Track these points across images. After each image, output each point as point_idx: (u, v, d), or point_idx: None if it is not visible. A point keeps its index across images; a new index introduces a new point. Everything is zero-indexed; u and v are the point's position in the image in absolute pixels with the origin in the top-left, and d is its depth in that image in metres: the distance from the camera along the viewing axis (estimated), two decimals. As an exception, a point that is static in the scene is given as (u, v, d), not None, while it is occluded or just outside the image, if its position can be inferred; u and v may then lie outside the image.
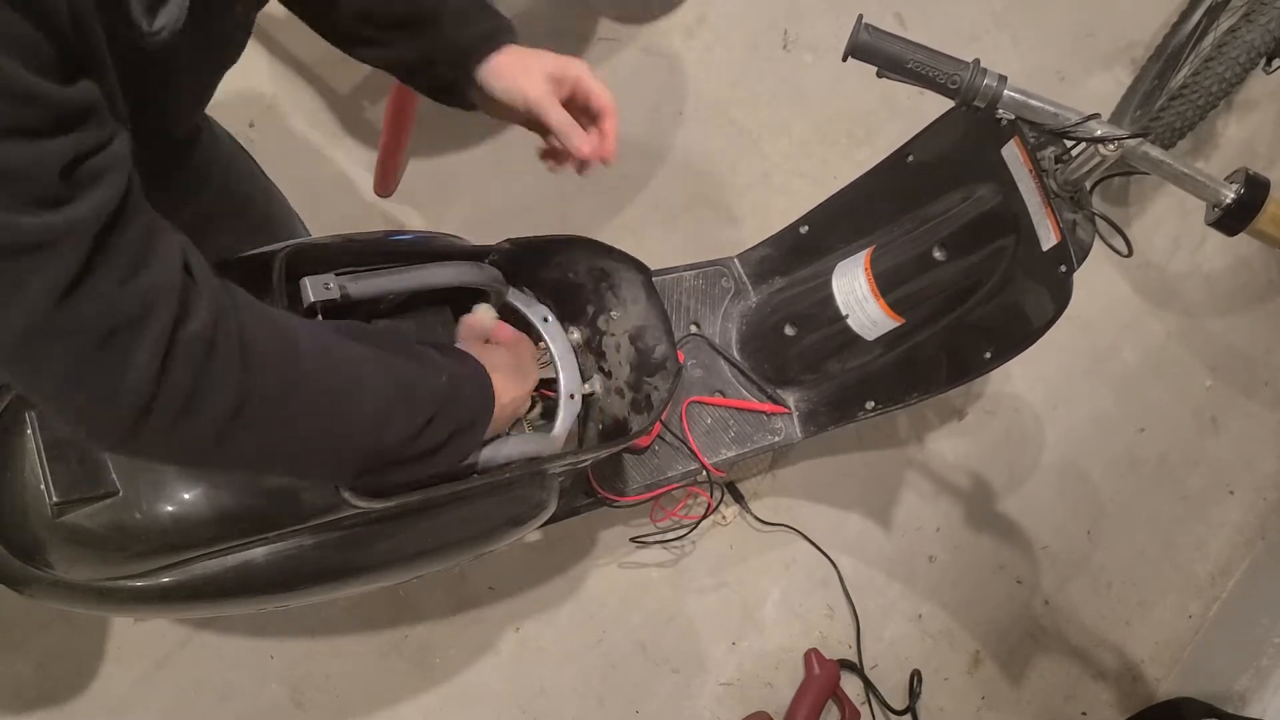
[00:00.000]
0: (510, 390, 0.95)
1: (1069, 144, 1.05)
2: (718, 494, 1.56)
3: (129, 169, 0.59)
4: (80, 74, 0.55)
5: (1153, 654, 1.81)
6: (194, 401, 0.62)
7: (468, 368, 0.89)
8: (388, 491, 0.87)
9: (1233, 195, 0.99)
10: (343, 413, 0.73)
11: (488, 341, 1.03)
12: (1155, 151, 1.01)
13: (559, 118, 0.91)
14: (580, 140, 0.91)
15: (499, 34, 0.91)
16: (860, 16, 0.97)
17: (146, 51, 0.63)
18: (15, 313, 0.57)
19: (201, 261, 0.64)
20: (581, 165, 0.95)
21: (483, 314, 1.06)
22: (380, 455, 0.77)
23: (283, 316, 0.71)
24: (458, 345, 1.00)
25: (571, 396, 1.16)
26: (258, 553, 0.89)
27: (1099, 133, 0.98)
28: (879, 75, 0.99)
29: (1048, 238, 1.06)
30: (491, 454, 1.03)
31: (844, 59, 0.99)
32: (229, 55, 0.83)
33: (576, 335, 1.27)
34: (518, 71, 0.90)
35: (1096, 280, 1.94)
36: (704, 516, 1.50)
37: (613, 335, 1.25)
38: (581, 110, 0.95)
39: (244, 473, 0.83)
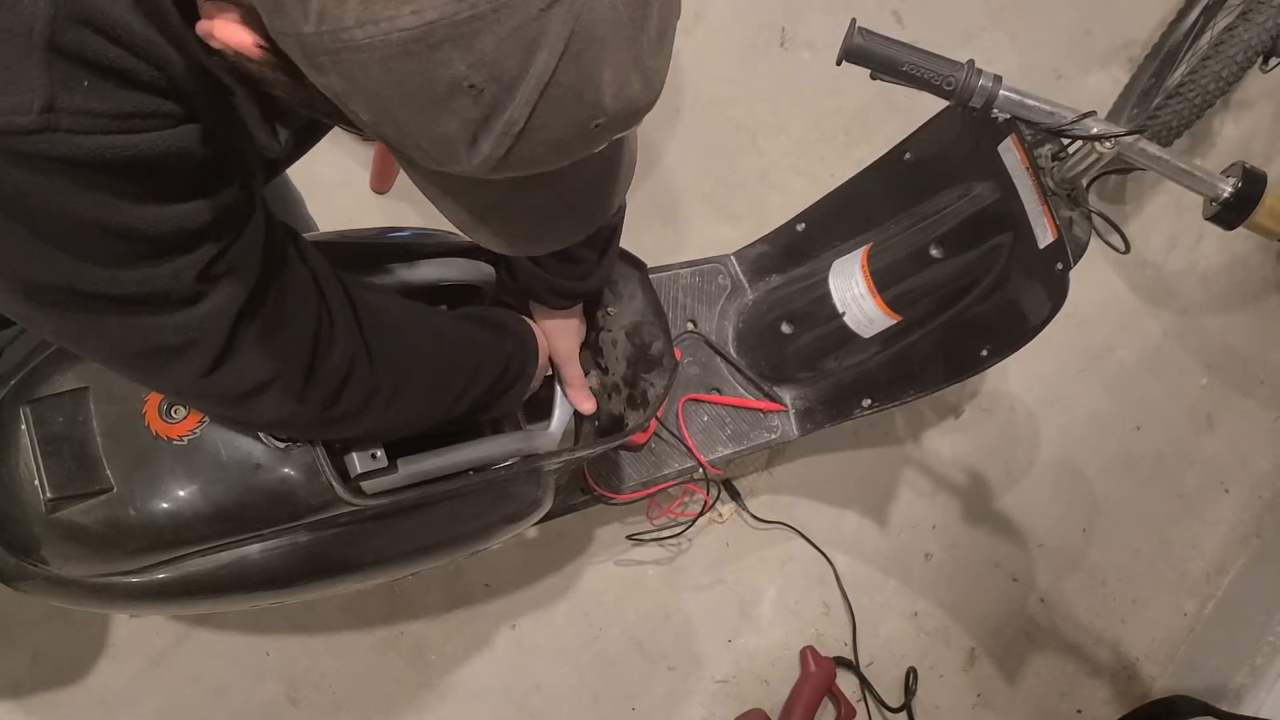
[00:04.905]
0: (565, 342, 1.12)
1: (1065, 142, 1.05)
2: (714, 491, 1.56)
3: (260, 245, 0.68)
4: (233, 177, 0.65)
5: (1148, 651, 1.81)
6: (331, 408, 0.78)
7: (521, 334, 1.05)
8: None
9: (1230, 189, 0.99)
10: (442, 387, 0.91)
11: None
12: (1152, 147, 1.01)
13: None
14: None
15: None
16: (854, 21, 0.96)
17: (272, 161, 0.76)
18: (166, 387, 0.73)
19: (337, 290, 0.78)
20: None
21: None
22: (461, 412, 0.95)
23: (403, 317, 0.87)
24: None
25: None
26: (252, 549, 0.88)
27: (1095, 130, 0.98)
28: (873, 78, 0.99)
29: (1044, 235, 1.06)
30: (488, 451, 1.03)
31: (838, 63, 0.99)
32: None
33: (573, 332, 1.27)
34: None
35: (1093, 278, 1.94)
36: (700, 514, 1.49)
37: (609, 331, 1.25)
38: None
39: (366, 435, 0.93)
